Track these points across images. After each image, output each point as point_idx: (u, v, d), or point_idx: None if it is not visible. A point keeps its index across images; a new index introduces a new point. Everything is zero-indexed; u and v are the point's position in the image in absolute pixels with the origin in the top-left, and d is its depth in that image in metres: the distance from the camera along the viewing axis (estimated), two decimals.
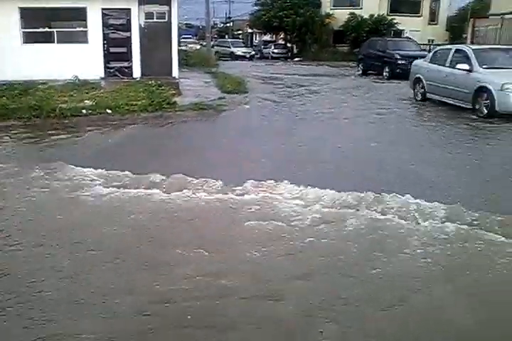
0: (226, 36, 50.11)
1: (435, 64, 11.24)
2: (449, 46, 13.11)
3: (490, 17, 21.12)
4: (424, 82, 11.45)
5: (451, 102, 10.30)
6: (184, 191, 4.69)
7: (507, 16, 18.99)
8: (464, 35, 20.96)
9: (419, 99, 11.67)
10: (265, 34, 39.22)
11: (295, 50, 35.03)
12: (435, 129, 8.50)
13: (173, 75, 14.07)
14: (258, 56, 35.33)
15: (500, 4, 20.69)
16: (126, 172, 5.19)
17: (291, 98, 12.49)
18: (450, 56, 10.78)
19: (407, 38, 25.82)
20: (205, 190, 4.76)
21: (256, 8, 36.09)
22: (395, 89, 14.66)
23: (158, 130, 8.37)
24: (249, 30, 45.27)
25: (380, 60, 19.05)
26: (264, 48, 36.24)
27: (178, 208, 4.38)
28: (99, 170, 5.29)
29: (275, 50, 34.87)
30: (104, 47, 13.54)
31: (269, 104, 11.21)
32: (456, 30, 32.42)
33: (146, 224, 4.06)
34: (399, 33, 31.73)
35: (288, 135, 7.82)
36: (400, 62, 18.11)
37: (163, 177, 5.06)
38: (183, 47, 25.74)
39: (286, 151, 6.70)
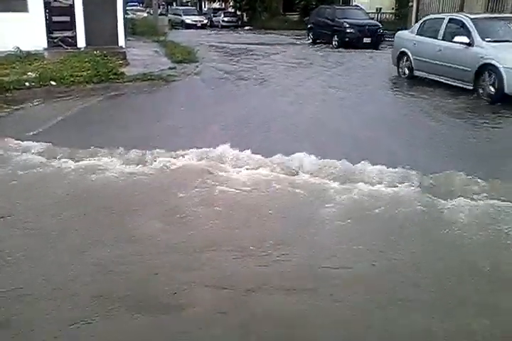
0: (174, 3, 48.73)
1: (424, 36, 9.89)
2: (440, 15, 11.19)
3: None
4: (410, 57, 10.10)
5: (445, 81, 9.02)
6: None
7: None
8: (410, 4, 21.18)
9: (404, 76, 10.35)
10: (214, 1, 38.44)
11: (245, 18, 34.58)
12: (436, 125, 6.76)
13: (120, 45, 13.66)
14: (208, 24, 34.72)
15: None
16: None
17: (242, 67, 12.47)
18: (443, 27, 9.36)
19: (355, 6, 25.92)
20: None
21: None
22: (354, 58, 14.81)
23: (105, 101, 8.20)
24: None
25: (329, 28, 19.13)
26: (213, 16, 35.60)
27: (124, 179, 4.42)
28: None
29: (225, 19, 34.30)
30: (45, 16, 12.94)
31: (220, 74, 11.18)
32: None
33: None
34: (348, 1, 31.78)
35: (237, 102, 7.93)
36: (348, 30, 18.29)
37: (114, 150, 5.04)
38: (130, 16, 24.96)
39: (233, 119, 6.80)
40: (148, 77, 9.83)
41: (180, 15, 33.98)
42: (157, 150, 4.94)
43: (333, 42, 18.60)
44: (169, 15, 36.61)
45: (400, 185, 4.14)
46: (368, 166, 4.48)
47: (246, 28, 31.75)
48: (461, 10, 18.73)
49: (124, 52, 12.97)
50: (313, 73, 11.55)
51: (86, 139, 5.40)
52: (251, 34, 26.12)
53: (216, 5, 39.43)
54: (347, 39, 18.16)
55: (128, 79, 9.57)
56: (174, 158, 4.79)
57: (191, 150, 4.93)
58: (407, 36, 10.58)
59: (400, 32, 11.64)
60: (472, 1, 18.64)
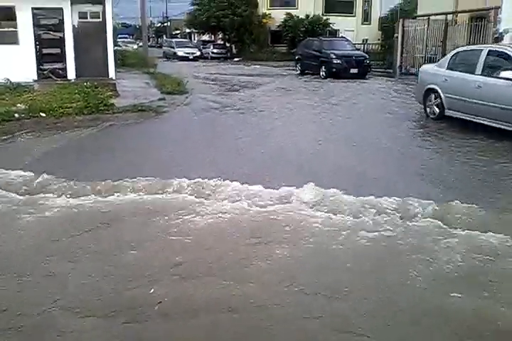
0: (164, 36, 49.56)
1: (457, 71, 8.78)
2: (475, 47, 9.88)
3: (417, 18, 22.04)
4: (441, 94, 8.92)
5: (487, 123, 7.79)
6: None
7: (432, 17, 19.88)
8: (395, 35, 21.70)
9: (434, 116, 9.14)
10: (203, 34, 39.14)
11: (234, 50, 35.20)
12: None
13: (110, 76, 13.77)
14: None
15: (426, 6, 21.70)
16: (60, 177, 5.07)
17: (231, 98, 12.58)
18: (481, 60, 8.20)
19: (342, 37, 26.52)
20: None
21: (193, 7, 35.97)
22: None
23: (95, 133, 8.15)
24: (187, 30, 45.01)
25: (316, 59, 19.50)
26: (203, 48, 36.18)
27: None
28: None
29: (214, 50, 34.88)
30: (36, 48, 13.06)
31: (210, 105, 11.25)
32: (388, 30, 33.62)
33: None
34: (334, 33, 32.56)
35: (228, 135, 7.92)
36: (335, 61, 18.66)
37: (102, 182, 5.00)
38: (120, 48, 25.28)
39: (223, 150, 6.80)
40: (138, 108, 9.87)
41: (173, 48, 34.33)
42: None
43: (321, 73, 18.92)
44: (163, 47, 37.15)
45: None
46: None
47: (235, 59, 32.30)
48: (444, 41, 19.26)
49: (114, 83, 13.05)
50: (311, 109, 11.28)
51: (69, 171, 5.35)
52: (240, 65, 26.54)
53: (206, 37, 40.16)
54: (334, 70, 18.49)
55: (118, 111, 9.59)
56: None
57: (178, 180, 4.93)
58: (435, 71, 9.38)
59: (425, 66, 10.66)
60: (455, 32, 19.13)
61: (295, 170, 5.75)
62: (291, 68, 22.18)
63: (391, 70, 21.60)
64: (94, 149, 7.02)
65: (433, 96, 9.24)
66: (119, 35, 43.58)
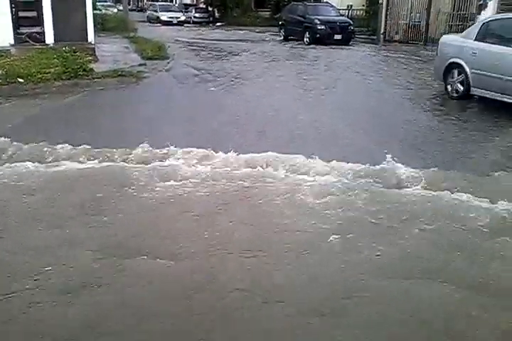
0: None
1: (490, 43, 7.65)
2: None
3: None
4: (467, 70, 7.82)
5: None
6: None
7: None
8: (380, 1, 21.43)
9: (456, 95, 8.14)
10: None
11: (217, 15, 34.44)
12: None
13: (89, 41, 13.45)
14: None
15: None
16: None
17: (213, 64, 12.45)
18: None
19: (326, 3, 26.10)
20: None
21: None
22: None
23: (74, 99, 8.06)
24: None
25: (300, 25, 19.26)
26: (185, 12, 35.29)
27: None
28: None
29: (196, 14, 34.02)
30: (12, 11, 12.67)
31: (192, 71, 11.14)
32: None
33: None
34: None
35: (207, 101, 7.93)
36: (319, 27, 18.45)
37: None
38: (100, 11, 24.55)
39: (205, 116, 6.81)
40: (118, 74, 9.72)
41: (157, 11, 32.57)
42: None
43: (305, 39, 18.74)
44: (147, 11, 35.86)
45: None
46: None
47: (218, 24, 31.62)
48: (428, 8, 19.10)
49: (94, 48, 12.78)
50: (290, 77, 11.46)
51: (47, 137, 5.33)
52: (222, 30, 26.05)
53: (188, 0, 39.15)
54: (318, 35, 18.32)
55: (97, 76, 9.44)
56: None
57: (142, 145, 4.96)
58: (460, 42, 8.23)
59: (446, 37, 9.34)
60: None
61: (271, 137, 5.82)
62: (274, 33, 21.87)
63: (375, 37, 21.44)
64: (73, 116, 6.95)
65: (456, 72, 8.15)
66: None
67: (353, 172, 4.42)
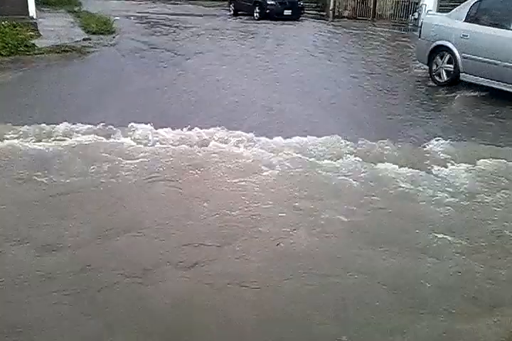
0: None
1: (482, 24, 7.05)
2: None
3: None
4: (456, 54, 7.25)
5: None
6: None
7: None
8: None
9: (442, 81, 7.59)
10: None
11: None
12: None
13: (31, 15, 12.89)
14: None
15: None
16: None
17: (160, 38, 12.26)
18: None
19: None
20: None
21: None
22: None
23: (14, 76, 7.76)
24: None
25: (250, 0, 19.10)
26: None
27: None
28: None
29: None
30: None
31: (138, 45, 10.95)
32: None
33: None
34: None
35: (151, 75, 7.87)
36: (269, 2, 18.38)
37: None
38: None
39: (146, 92, 6.79)
40: (62, 49, 9.48)
41: None
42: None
43: (255, 14, 18.64)
44: None
45: None
46: None
47: None
48: None
49: (35, 22, 12.27)
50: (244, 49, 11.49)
51: None
52: (171, 4, 25.42)
53: None
54: (268, 11, 18.27)
55: (39, 52, 9.18)
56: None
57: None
58: (448, 23, 7.53)
59: (430, 17, 8.44)
60: None
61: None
62: (224, 8, 21.60)
63: (324, 13, 21.54)
64: (15, 93, 6.75)
65: (444, 56, 7.53)
66: None
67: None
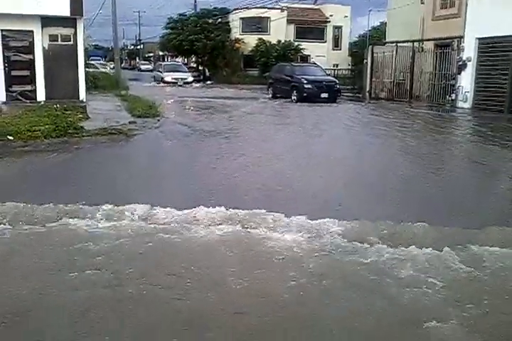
0: (137, 58, 49.66)
1: None
2: None
3: (386, 44, 22.72)
4: None
5: None
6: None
7: (400, 44, 20.53)
8: (365, 60, 22.27)
9: None
10: (176, 57, 39.39)
11: (207, 73, 35.48)
12: None
13: (81, 98, 13.69)
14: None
15: (395, 33, 22.42)
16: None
17: (204, 121, 12.58)
18: None
19: (313, 63, 27.09)
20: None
21: (166, 31, 36.32)
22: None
23: (61, 157, 7.91)
24: (161, 53, 45.28)
25: (288, 84, 19.84)
26: None
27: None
28: None
29: None
30: (5, 70, 12.92)
31: (182, 128, 11.23)
32: (357, 55, 34.55)
33: None
34: (306, 58, 33.28)
35: (201, 162, 7.90)
36: (306, 86, 19.01)
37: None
38: (92, 69, 25.16)
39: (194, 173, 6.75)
40: (108, 132, 9.78)
41: (161, 72, 30.10)
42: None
43: (293, 97, 19.22)
44: (154, 71, 33.86)
45: None
46: None
47: (208, 82, 32.51)
48: (412, 67, 19.83)
49: (85, 106, 12.96)
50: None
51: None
52: (213, 89, 26.69)
53: (178, 60, 40.40)
54: (305, 94, 18.82)
55: (87, 134, 9.48)
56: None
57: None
58: None
59: None
60: (421, 58, 19.73)
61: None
62: (263, 92, 22.44)
63: (360, 95, 22.08)
64: (59, 175, 6.83)
65: None
66: (92, 57, 43.53)
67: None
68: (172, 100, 18.36)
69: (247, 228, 4.41)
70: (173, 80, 28.55)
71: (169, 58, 44.06)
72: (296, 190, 6.00)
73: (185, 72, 30.88)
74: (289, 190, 5.96)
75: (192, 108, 15.85)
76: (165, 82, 28.45)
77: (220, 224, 4.48)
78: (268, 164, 7.44)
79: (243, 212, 4.72)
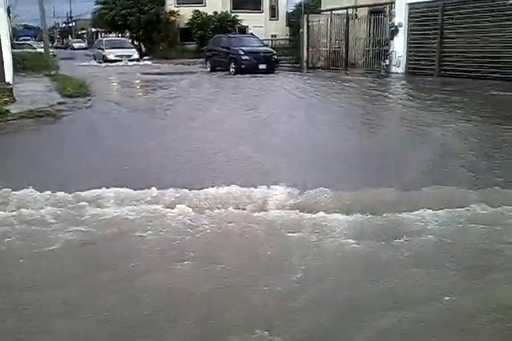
0: (69, 36, 47.63)
1: None
2: None
3: (321, 13, 22.73)
4: None
5: None
6: None
7: (335, 12, 20.59)
8: (301, 30, 22.24)
9: None
10: (110, 33, 38.03)
11: (143, 49, 34.48)
12: None
13: (7, 81, 13.00)
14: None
15: (330, 1, 22.44)
16: None
17: (137, 99, 12.30)
18: None
19: (250, 34, 26.81)
20: None
21: (98, 6, 34.90)
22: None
23: None
24: (93, 30, 43.57)
25: (225, 56, 19.62)
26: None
27: None
28: None
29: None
30: None
31: (115, 107, 10.92)
32: (295, 25, 34.44)
33: None
34: (244, 30, 32.86)
35: (133, 140, 7.72)
36: (244, 58, 18.85)
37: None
38: (21, 50, 23.86)
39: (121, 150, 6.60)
40: (35, 114, 9.37)
41: (102, 49, 27.38)
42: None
43: (231, 69, 19.05)
44: (95, 49, 29.98)
45: None
46: None
47: (145, 57, 31.61)
48: (346, 34, 19.99)
49: (11, 88, 12.32)
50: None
51: None
52: (150, 64, 26.00)
53: (113, 36, 38.99)
54: (243, 66, 18.68)
55: (12, 118, 9.05)
56: None
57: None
58: None
59: None
60: (356, 25, 19.90)
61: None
62: (202, 66, 22.09)
63: (299, 65, 22.13)
64: None
65: None
66: (23, 37, 41.35)
67: None
68: (105, 78, 17.77)
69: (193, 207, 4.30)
70: (117, 58, 26.12)
71: (103, 35, 42.43)
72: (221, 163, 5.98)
73: (130, 48, 28.69)
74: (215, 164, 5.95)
75: (125, 86, 15.41)
76: (107, 61, 26.02)
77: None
78: (203, 137, 7.37)
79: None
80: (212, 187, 4.55)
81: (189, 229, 3.74)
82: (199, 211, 4.06)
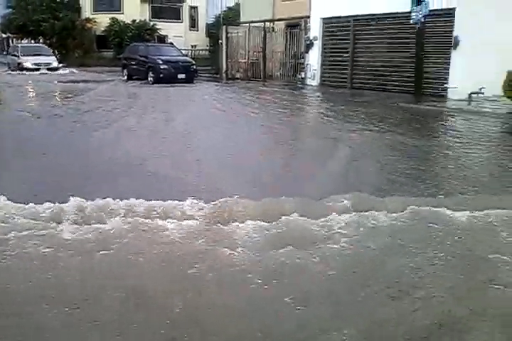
0: None
1: None
2: None
3: (240, 25, 23.06)
4: None
5: None
6: None
7: (253, 24, 20.98)
8: (220, 41, 22.42)
9: None
10: (22, 39, 36.25)
11: (57, 56, 33.15)
12: None
13: None
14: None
15: (248, 13, 22.83)
16: None
17: (46, 107, 11.78)
18: None
19: (170, 43, 26.65)
20: None
21: (8, 11, 33.17)
22: None
23: None
24: (4, 35, 41.35)
25: (143, 65, 19.30)
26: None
27: None
28: None
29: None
30: None
31: (22, 114, 10.38)
32: (215, 36, 34.67)
33: None
34: (163, 39, 32.61)
35: (37, 147, 7.37)
36: (162, 67, 18.65)
37: None
38: None
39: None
40: None
41: (18, 56, 24.57)
42: None
43: (149, 79, 18.77)
44: (9, 56, 26.73)
45: None
46: None
47: (59, 65, 30.37)
48: (264, 46, 20.41)
49: None
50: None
51: None
52: (62, 72, 24.98)
53: (25, 42, 37.21)
54: (162, 75, 18.46)
55: None
56: None
57: None
58: None
59: None
60: (273, 38, 20.39)
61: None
62: (119, 74, 21.58)
63: (218, 75, 22.27)
64: None
65: None
66: None
67: None
68: (14, 85, 16.89)
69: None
70: (35, 66, 23.77)
71: (14, 41, 40.29)
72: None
73: (49, 55, 26.20)
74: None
75: (35, 94, 14.73)
76: (23, 69, 23.61)
77: None
78: (112, 145, 7.19)
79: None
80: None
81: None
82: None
